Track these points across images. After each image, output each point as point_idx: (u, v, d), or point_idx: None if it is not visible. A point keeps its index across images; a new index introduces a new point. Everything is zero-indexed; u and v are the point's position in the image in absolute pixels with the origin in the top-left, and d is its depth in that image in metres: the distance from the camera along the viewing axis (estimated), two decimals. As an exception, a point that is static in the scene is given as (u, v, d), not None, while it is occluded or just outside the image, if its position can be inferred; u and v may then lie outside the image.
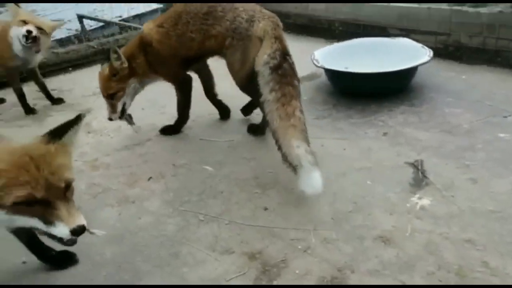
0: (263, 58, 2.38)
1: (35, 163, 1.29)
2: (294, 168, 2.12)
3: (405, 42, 3.54)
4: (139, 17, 11.62)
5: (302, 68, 3.86)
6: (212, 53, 2.73)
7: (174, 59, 2.71)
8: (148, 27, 2.75)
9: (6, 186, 1.24)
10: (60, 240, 1.36)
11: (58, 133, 1.39)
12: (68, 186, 1.35)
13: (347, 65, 3.22)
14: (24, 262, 1.92)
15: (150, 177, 2.52)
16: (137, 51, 2.74)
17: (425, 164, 2.34)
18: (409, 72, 3.19)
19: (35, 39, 3.17)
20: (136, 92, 2.90)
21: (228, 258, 1.86)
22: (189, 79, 2.89)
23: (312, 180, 2.04)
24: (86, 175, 2.60)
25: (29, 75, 3.82)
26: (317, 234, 1.93)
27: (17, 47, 3.29)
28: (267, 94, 2.32)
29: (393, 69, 3.05)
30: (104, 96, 2.80)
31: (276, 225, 2.02)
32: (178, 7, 2.71)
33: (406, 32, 3.97)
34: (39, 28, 3.22)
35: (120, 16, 11.23)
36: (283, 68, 2.36)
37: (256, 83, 2.40)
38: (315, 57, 3.33)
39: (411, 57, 3.19)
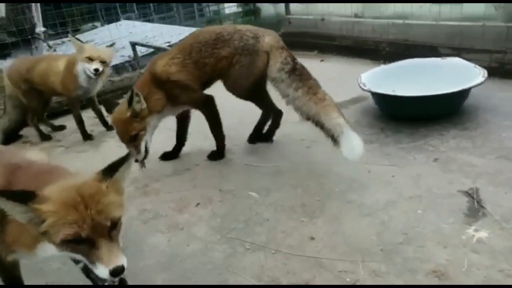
0: (276, 66, 2.75)
1: (84, 202, 1.33)
2: (336, 139, 2.50)
3: (456, 62, 3.42)
4: (187, 41, 12.13)
5: (348, 91, 3.87)
6: (220, 76, 2.93)
7: (195, 83, 2.86)
8: (160, 66, 2.81)
9: (55, 225, 1.31)
10: (101, 279, 1.42)
11: (110, 171, 1.44)
12: (115, 224, 1.38)
13: (395, 88, 3.16)
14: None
15: (198, 203, 2.59)
16: (153, 89, 2.80)
17: (481, 193, 2.22)
18: (462, 95, 3.07)
19: (100, 74, 3.59)
20: (155, 127, 2.94)
21: (274, 288, 1.85)
22: (211, 98, 2.98)
23: (354, 142, 2.43)
24: (137, 201, 2.71)
25: (88, 102, 4.09)
26: (366, 266, 1.88)
27: (82, 79, 3.66)
28: (294, 92, 2.69)
29: (444, 91, 2.95)
30: (124, 140, 2.78)
31: (323, 255, 1.98)
32: (187, 39, 2.97)
33: (457, 52, 3.85)
34: (103, 62, 3.55)
35: (169, 42, 11.77)
36: (297, 69, 2.76)
37: (259, 89, 2.95)
38: (362, 80, 3.29)
39: (463, 78, 3.07)
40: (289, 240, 2.13)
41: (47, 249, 1.40)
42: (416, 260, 1.86)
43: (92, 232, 1.31)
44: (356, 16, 5.63)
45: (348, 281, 1.82)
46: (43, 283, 2.06)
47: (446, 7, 4.26)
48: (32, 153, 1.75)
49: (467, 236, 1.94)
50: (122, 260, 1.34)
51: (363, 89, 3.25)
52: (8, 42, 6.90)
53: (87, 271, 1.92)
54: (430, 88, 3.01)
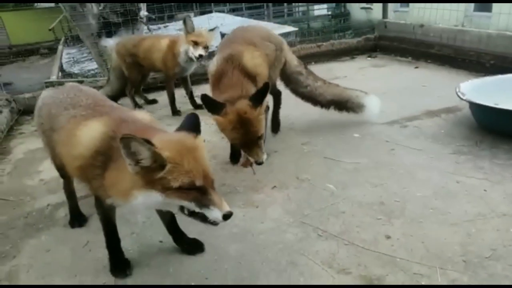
0: (294, 63, 3.35)
1: (192, 154, 1.51)
2: (360, 102, 3.32)
3: None
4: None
5: (441, 100, 3.69)
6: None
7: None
8: (249, 60, 2.75)
9: (173, 172, 1.46)
10: (209, 221, 1.56)
11: (198, 130, 1.66)
12: (213, 180, 1.57)
13: (497, 101, 2.93)
14: (160, 241, 2.17)
15: (275, 186, 2.64)
16: (250, 85, 2.68)
17: None
18: None
19: (202, 58, 3.86)
20: None
21: (344, 277, 1.83)
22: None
23: (374, 99, 3.34)
24: (218, 175, 2.82)
25: (182, 82, 4.34)
26: (445, 274, 1.78)
27: (182, 59, 3.92)
28: (314, 82, 3.36)
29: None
30: (251, 141, 2.42)
31: (398, 255, 1.92)
32: (247, 33, 3.12)
33: None
34: (206, 47, 3.79)
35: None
36: (307, 67, 3.44)
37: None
38: (461, 89, 3.10)
39: None
40: (364, 234, 2.09)
41: (140, 197, 1.53)
42: (504, 278, 1.72)
43: (204, 181, 1.50)
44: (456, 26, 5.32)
45: (423, 283, 1.74)
46: (129, 233, 2.25)
47: None
48: (139, 113, 1.92)
49: None
50: (229, 208, 1.53)
51: (461, 99, 3.05)
52: (116, 21, 7.56)
53: (171, 227, 2.07)
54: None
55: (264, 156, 2.45)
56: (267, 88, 2.39)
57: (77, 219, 2.39)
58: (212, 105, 2.35)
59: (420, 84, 4.37)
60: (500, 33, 4.28)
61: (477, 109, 3.05)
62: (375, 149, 3.01)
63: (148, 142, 1.43)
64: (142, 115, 1.89)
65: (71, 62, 11.81)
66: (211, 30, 4.20)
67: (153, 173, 1.47)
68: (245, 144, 2.44)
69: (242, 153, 2.73)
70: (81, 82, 4.97)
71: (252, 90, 2.60)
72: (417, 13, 6.22)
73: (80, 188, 2.33)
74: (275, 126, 3.45)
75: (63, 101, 1.99)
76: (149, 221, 2.32)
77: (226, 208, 1.51)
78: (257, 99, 2.38)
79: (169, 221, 2.05)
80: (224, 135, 2.54)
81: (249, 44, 2.89)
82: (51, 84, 5.45)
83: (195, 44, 3.77)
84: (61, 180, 2.39)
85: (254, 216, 2.35)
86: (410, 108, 3.68)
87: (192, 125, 1.68)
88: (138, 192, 1.53)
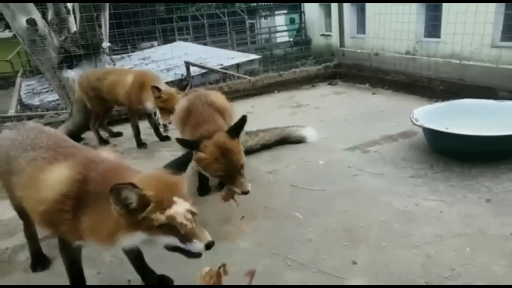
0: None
1: (173, 191, 1.54)
2: (300, 134, 3.81)
3: (515, 105, 3.35)
4: (238, 65, 12.62)
5: (398, 125, 3.89)
6: None
7: None
8: (217, 97, 3.01)
9: (155, 211, 1.49)
10: (192, 254, 1.61)
11: (185, 167, 1.72)
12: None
13: (448, 125, 3.13)
14: (129, 280, 2.13)
15: (243, 217, 2.66)
16: (220, 119, 2.80)
17: (536, 239, 2.14)
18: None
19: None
20: None
21: (314, 307, 1.86)
22: None
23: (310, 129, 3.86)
24: (185, 208, 2.82)
25: (146, 115, 4.33)
26: (409, 297, 1.85)
27: (147, 106, 3.85)
28: (260, 135, 3.71)
29: (499, 133, 2.89)
30: (235, 169, 2.43)
31: (364, 280, 1.98)
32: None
33: (517, 95, 3.76)
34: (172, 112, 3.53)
35: (222, 64, 12.29)
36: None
37: None
38: (414, 115, 3.29)
39: (521, 121, 3.00)
40: (331, 262, 2.14)
41: (125, 239, 1.55)
42: (462, 297, 1.82)
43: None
44: (408, 53, 5.67)
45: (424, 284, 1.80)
46: (96, 273, 2.19)
47: (508, 51, 4.21)
48: (103, 152, 1.91)
49: (519, 280, 1.88)
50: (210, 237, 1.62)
51: (415, 124, 3.24)
52: (78, 54, 7.47)
53: (138, 265, 2.04)
54: (485, 129, 2.96)
55: (249, 185, 2.44)
56: (245, 120, 2.48)
57: (39, 262, 2.29)
58: (189, 144, 2.40)
59: (378, 110, 4.59)
60: (446, 60, 4.61)
61: (430, 133, 3.25)
62: (339, 175, 3.11)
63: (135, 186, 1.46)
64: (107, 153, 1.88)
65: (31, 94, 11.49)
66: (182, 89, 3.84)
67: (136, 214, 1.49)
68: (228, 175, 2.44)
69: (224, 187, 2.64)
70: (42, 116, 4.86)
71: (224, 124, 2.67)
72: (372, 42, 6.57)
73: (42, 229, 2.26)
74: None
75: (22, 142, 1.94)
76: (116, 259, 2.27)
77: (208, 238, 1.59)
78: (234, 131, 2.47)
79: (135, 259, 2.02)
80: (206, 171, 2.53)
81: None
82: (8, 119, 5.28)
83: (161, 109, 3.70)
84: (21, 221, 2.31)
85: (223, 249, 2.34)
86: (370, 133, 3.85)
87: (181, 162, 1.75)
88: (122, 234, 1.54)
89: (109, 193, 1.45)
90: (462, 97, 3.68)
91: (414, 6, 7.55)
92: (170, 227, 1.52)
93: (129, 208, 1.49)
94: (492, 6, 7.26)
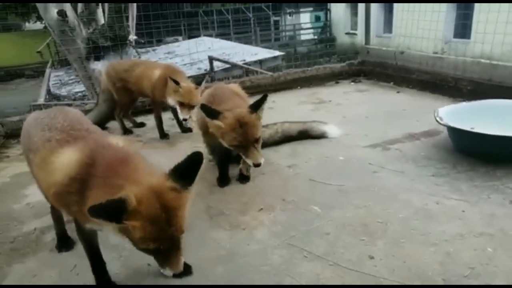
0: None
1: (166, 217, 1.49)
2: (322, 129, 3.79)
3: (544, 106, 3.25)
4: (261, 62, 12.63)
5: (421, 124, 3.84)
6: None
7: None
8: (236, 87, 3.23)
9: (140, 234, 1.47)
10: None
11: (194, 176, 1.60)
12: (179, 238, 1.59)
13: (473, 125, 3.07)
14: (148, 265, 2.18)
15: (261, 208, 2.68)
16: (241, 101, 3.00)
17: (561, 242, 2.08)
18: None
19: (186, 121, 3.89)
20: None
21: (329, 298, 1.87)
22: None
23: (333, 127, 3.84)
24: (205, 198, 2.87)
25: (170, 107, 4.40)
26: (426, 294, 1.84)
27: (169, 101, 3.87)
28: (282, 126, 3.76)
29: (527, 134, 2.82)
30: (250, 140, 2.58)
31: (381, 275, 1.98)
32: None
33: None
34: (192, 107, 3.71)
35: (244, 60, 12.33)
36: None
37: None
38: (439, 114, 3.24)
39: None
40: (348, 255, 2.14)
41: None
42: (481, 296, 1.79)
43: (168, 245, 1.54)
44: (436, 53, 5.55)
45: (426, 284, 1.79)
46: (118, 256, 2.26)
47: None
48: (113, 138, 1.90)
49: (541, 282, 1.83)
50: (181, 267, 1.64)
51: (439, 123, 3.19)
52: (106, 45, 7.65)
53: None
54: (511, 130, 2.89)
55: (262, 159, 2.58)
56: (265, 98, 2.66)
57: (64, 243, 2.38)
58: (211, 112, 2.57)
59: (401, 108, 4.53)
60: (474, 60, 4.50)
61: (454, 133, 3.19)
62: (358, 171, 3.10)
63: (121, 202, 1.42)
64: (116, 139, 1.88)
65: (59, 85, 11.82)
66: (198, 84, 3.82)
67: (124, 234, 1.52)
68: (243, 146, 2.57)
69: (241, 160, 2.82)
70: (69, 105, 5.00)
71: (244, 105, 2.78)
72: (398, 40, 6.47)
73: (68, 212, 2.34)
74: None
75: (42, 122, 2.01)
76: (136, 244, 2.34)
77: (178, 269, 1.63)
78: (254, 106, 2.62)
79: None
80: (223, 140, 2.64)
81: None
82: (38, 107, 5.47)
83: (181, 104, 3.73)
84: (48, 204, 2.40)
85: (240, 238, 2.39)
86: (392, 131, 3.81)
87: (190, 170, 1.61)
88: (117, 232, 1.55)
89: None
90: (489, 98, 3.59)
91: (444, 4, 7.38)
92: (151, 251, 1.56)
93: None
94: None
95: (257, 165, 2.57)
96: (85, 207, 1.61)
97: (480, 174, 2.87)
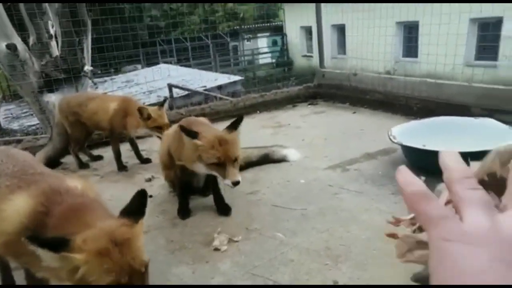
0: None
1: (119, 248, 1.40)
2: (281, 154, 3.84)
3: (490, 122, 3.45)
4: (221, 87, 12.72)
5: (377, 143, 3.95)
6: None
7: None
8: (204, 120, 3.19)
9: (91, 274, 1.36)
10: None
11: (142, 211, 1.56)
12: (147, 267, 1.47)
13: (425, 142, 3.20)
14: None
15: (225, 239, 2.63)
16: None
17: None
18: (493, 153, 3.06)
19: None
20: None
21: (296, 329, 1.84)
22: None
23: (291, 151, 3.89)
24: (165, 232, 2.79)
25: (128, 139, 4.30)
26: (390, 316, 1.84)
27: (134, 132, 3.91)
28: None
29: (473, 149, 2.96)
30: (233, 158, 2.58)
31: (346, 300, 1.97)
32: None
33: (490, 113, 3.88)
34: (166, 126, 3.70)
35: (205, 86, 12.36)
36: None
37: None
38: (392, 133, 3.36)
39: (496, 138, 3.06)
40: (313, 282, 2.13)
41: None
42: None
43: (130, 278, 1.39)
44: (388, 73, 5.82)
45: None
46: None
47: (479, 70, 4.37)
48: (71, 181, 1.79)
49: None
50: None
51: (393, 142, 3.30)
52: (59, 77, 7.43)
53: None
54: (461, 145, 3.04)
55: (240, 177, 2.59)
56: (242, 118, 2.73)
57: (12, 293, 2.22)
58: (190, 132, 2.57)
59: (358, 129, 4.67)
60: (422, 80, 4.75)
61: (408, 150, 3.31)
62: (320, 194, 3.13)
63: (60, 242, 1.35)
64: (75, 182, 1.78)
65: (10, 118, 11.31)
66: (161, 105, 3.93)
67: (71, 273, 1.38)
68: (221, 164, 2.55)
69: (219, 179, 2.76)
70: (19, 141, 4.77)
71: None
72: (351, 62, 6.74)
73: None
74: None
75: None
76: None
77: None
78: (232, 125, 2.67)
79: None
80: (201, 159, 2.60)
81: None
82: (-14, 145, 5.16)
83: (158, 128, 3.74)
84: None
85: (204, 272, 2.32)
86: (350, 151, 3.90)
87: (137, 206, 1.58)
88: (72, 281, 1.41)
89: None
90: (438, 115, 3.78)
91: (391, 28, 7.79)
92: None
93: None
94: (464, 27, 7.55)
95: (236, 183, 2.55)
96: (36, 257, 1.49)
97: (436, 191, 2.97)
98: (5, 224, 1.60)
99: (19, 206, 1.61)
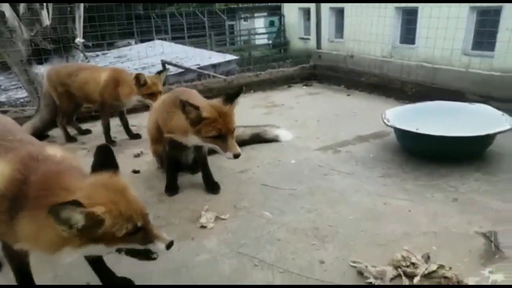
0: None
1: (125, 196, 1.49)
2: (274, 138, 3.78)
3: (483, 108, 3.41)
4: (215, 66, 12.54)
5: (370, 126, 3.91)
6: None
7: None
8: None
9: (114, 224, 1.43)
10: (150, 257, 1.59)
11: (115, 164, 1.62)
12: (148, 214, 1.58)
13: (418, 126, 3.16)
14: (87, 283, 2.03)
15: (212, 216, 2.59)
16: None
17: (499, 237, 2.17)
18: (486, 139, 3.05)
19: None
20: None
21: (279, 307, 1.82)
22: None
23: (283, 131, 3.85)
24: (153, 207, 2.74)
25: (118, 113, 4.21)
26: (375, 296, 1.83)
27: (130, 102, 3.87)
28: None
29: (466, 134, 2.94)
30: (231, 130, 2.55)
31: (332, 279, 1.96)
32: None
33: (485, 99, 3.84)
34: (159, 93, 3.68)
35: (198, 65, 12.17)
36: None
37: None
38: (386, 116, 3.31)
39: (488, 124, 3.06)
40: (299, 261, 2.11)
41: (76, 253, 1.48)
42: (427, 295, 1.81)
43: (143, 220, 1.52)
44: (384, 57, 5.74)
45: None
46: (53, 276, 2.08)
47: (476, 59, 4.32)
48: (50, 148, 1.74)
49: (481, 277, 1.88)
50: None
51: (386, 125, 3.26)
52: (49, 48, 7.24)
53: (98, 267, 1.95)
54: (454, 130, 3.01)
55: (240, 150, 2.55)
56: (241, 90, 2.64)
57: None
58: (191, 106, 2.47)
59: (351, 111, 4.62)
60: (418, 64, 4.68)
61: (401, 133, 3.27)
62: (310, 174, 3.10)
63: (79, 203, 1.34)
64: (54, 150, 1.72)
65: (-2, 90, 11.08)
66: (159, 72, 3.94)
67: (92, 230, 1.40)
68: (221, 136, 2.51)
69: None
70: (5, 112, 4.65)
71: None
72: (349, 45, 6.64)
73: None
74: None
75: None
76: (74, 261, 2.16)
77: (167, 238, 1.57)
78: (230, 98, 2.58)
79: (95, 261, 1.93)
80: (200, 133, 2.54)
81: None
82: (-29, 115, 5.04)
83: (152, 95, 3.67)
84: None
85: (189, 249, 2.29)
86: (342, 134, 3.86)
87: (108, 160, 1.61)
88: (74, 249, 1.45)
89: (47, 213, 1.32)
90: (433, 100, 3.74)
91: (390, 9, 7.69)
92: (131, 234, 1.48)
93: (79, 228, 1.38)
94: (465, 11, 7.45)
95: (237, 155, 2.52)
96: (16, 227, 1.48)
97: (425, 174, 2.95)
98: None
99: None
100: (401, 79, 4.86)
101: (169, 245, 1.57)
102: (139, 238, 1.51)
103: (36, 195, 1.48)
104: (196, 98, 2.77)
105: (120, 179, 1.55)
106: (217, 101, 2.60)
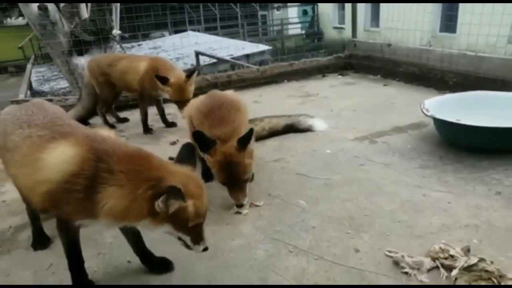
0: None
1: (203, 194, 1.68)
2: (309, 128, 3.76)
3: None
4: (248, 56, 12.55)
5: (408, 116, 3.81)
6: None
7: None
8: (233, 94, 3.04)
9: (193, 216, 1.62)
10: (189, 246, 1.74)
11: (194, 163, 1.82)
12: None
13: (459, 117, 3.05)
14: (128, 262, 2.11)
15: (246, 203, 2.62)
16: (238, 117, 2.82)
17: (547, 232, 2.07)
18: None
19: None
20: None
21: (314, 293, 1.83)
22: None
23: (318, 121, 3.82)
24: (189, 193, 2.80)
25: (155, 101, 4.30)
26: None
27: (161, 94, 3.89)
28: (270, 121, 3.74)
29: (510, 125, 2.81)
30: (239, 182, 2.49)
31: (366, 268, 1.94)
32: None
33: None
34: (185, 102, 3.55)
35: (232, 55, 12.23)
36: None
37: None
38: (425, 106, 3.21)
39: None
40: (333, 249, 2.10)
41: (154, 227, 1.64)
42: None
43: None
44: (423, 45, 5.55)
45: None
46: (96, 254, 2.18)
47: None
48: (104, 131, 1.86)
49: (527, 273, 1.81)
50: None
51: (426, 115, 3.16)
52: (88, 39, 7.48)
53: (138, 247, 2.03)
54: (497, 121, 2.88)
55: (245, 200, 2.52)
56: (251, 133, 2.40)
57: (40, 241, 2.29)
58: (204, 143, 2.40)
59: (388, 101, 4.51)
60: (461, 52, 4.49)
61: (441, 124, 3.17)
62: (346, 164, 3.06)
63: (182, 196, 1.51)
64: (107, 133, 1.83)
65: (41, 81, 11.58)
66: (188, 76, 3.75)
67: (176, 215, 1.58)
68: (228, 184, 2.52)
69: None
70: (50, 100, 4.86)
71: (240, 123, 2.62)
72: (387, 33, 6.46)
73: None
74: None
75: (19, 118, 1.90)
76: (116, 241, 2.26)
77: (206, 243, 1.74)
78: (242, 143, 2.40)
79: (135, 241, 2.00)
80: (212, 171, 2.57)
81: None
82: (17, 103, 5.31)
83: (178, 102, 3.72)
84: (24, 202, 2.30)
85: (224, 233, 2.33)
86: (379, 124, 3.78)
87: (190, 158, 1.81)
88: (151, 222, 1.61)
89: (165, 191, 1.49)
90: (475, 90, 3.59)
91: (429, -2, 7.40)
92: (195, 228, 1.66)
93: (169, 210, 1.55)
94: None
95: (238, 206, 2.52)
96: (94, 203, 1.59)
97: (466, 166, 2.85)
98: (48, 172, 1.62)
99: (65, 154, 1.63)
100: (441, 69, 4.68)
101: (205, 249, 1.73)
102: (194, 233, 1.68)
103: (124, 170, 1.59)
104: (224, 118, 2.61)
105: (197, 177, 1.74)
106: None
